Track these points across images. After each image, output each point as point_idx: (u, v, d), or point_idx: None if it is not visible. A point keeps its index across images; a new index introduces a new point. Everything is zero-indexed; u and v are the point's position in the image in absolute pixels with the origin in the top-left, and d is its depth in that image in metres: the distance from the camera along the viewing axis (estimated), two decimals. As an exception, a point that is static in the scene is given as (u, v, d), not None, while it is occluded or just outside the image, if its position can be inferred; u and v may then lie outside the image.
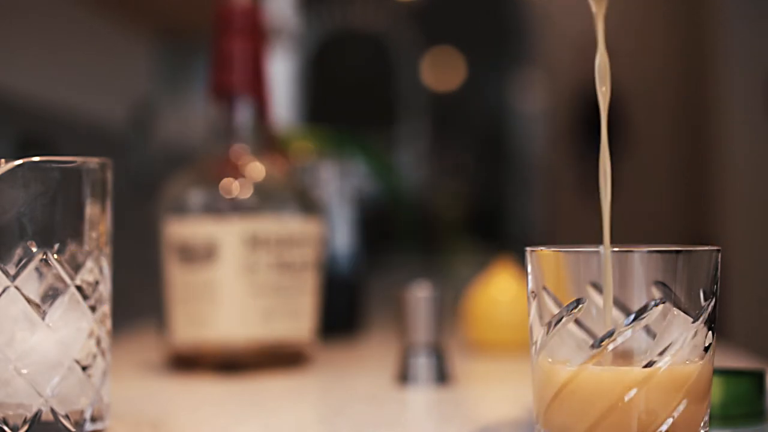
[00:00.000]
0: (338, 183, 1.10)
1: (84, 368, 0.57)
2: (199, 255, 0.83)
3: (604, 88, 0.54)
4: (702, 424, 0.51)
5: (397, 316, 0.78)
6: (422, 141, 4.55)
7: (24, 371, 0.55)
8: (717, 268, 0.51)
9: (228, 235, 0.83)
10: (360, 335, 1.09)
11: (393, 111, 4.55)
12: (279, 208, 0.86)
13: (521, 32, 4.22)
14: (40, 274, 0.56)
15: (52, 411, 0.56)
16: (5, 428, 0.55)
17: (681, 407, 0.50)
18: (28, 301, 0.56)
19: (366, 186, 1.67)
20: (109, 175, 0.60)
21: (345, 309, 1.09)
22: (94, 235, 0.58)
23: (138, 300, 1.03)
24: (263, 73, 0.88)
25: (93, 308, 0.58)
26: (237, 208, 0.84)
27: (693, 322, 0.50)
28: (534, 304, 0.53)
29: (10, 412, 0.55)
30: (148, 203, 0.91)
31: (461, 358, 0.89)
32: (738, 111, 2.97)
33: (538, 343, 0.52)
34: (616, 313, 0.50)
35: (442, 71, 4.64)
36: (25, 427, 0.55)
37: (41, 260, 0.56)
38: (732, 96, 2.99)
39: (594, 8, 0.54)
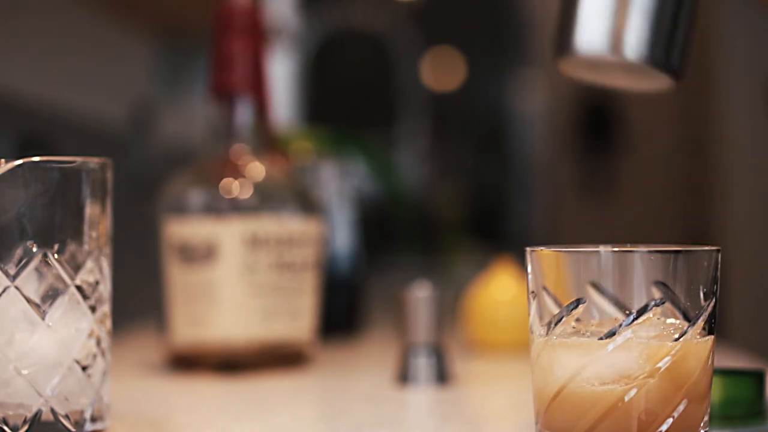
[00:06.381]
0: (338, 183, 1.10)
1: (84, 368, 0.57)
2: (199, 255, 0.83)
3: None
4: (702, 424, 0.51)
5: (397, 316, 0.78)
6: (422, 141, 4.55)
7: (24, 371, 0.55)
8: (717, 268, 0.51)
9: (228, 235, 0.83)
10: (360, 335, 1.09)
11: (393, 111, 4.55)
12: (279, 208, 0.86)
13: (521, 32, 4.21)
14: (40, 274, 0.56)
15: (52, 411, 0.56)
16: (5, 428, 0.55)
17: (681, 407, 0.50)
18: (28, 301, 0.56)
19: (366, 186, 1.66)
20: (109, 175, 0.60)
21: (345, 309, 1.09)
22: (94, 235, 0.58)
23: (138, 300, 1.03)
24: (263, 73, 0.88)
25: (93, 308, 0.58)
26: (237, 208, 0.84)
27: (693, 322, 0.50)
28: (534, 304, 0.53)
29: (10, 412, 0.55)
30: (148, 203, 0.91)
31: (461, 358, 0.89)
32: (738, 111, 2.97)
33: (538, 343, 0.52)
34: (616, 313, 0.50)
35: (442, 71, 4.64)
36: (25, 427, 0.55)
37: (41, 260, 0.56)
38: (732, 96, 2.99)
39: None
